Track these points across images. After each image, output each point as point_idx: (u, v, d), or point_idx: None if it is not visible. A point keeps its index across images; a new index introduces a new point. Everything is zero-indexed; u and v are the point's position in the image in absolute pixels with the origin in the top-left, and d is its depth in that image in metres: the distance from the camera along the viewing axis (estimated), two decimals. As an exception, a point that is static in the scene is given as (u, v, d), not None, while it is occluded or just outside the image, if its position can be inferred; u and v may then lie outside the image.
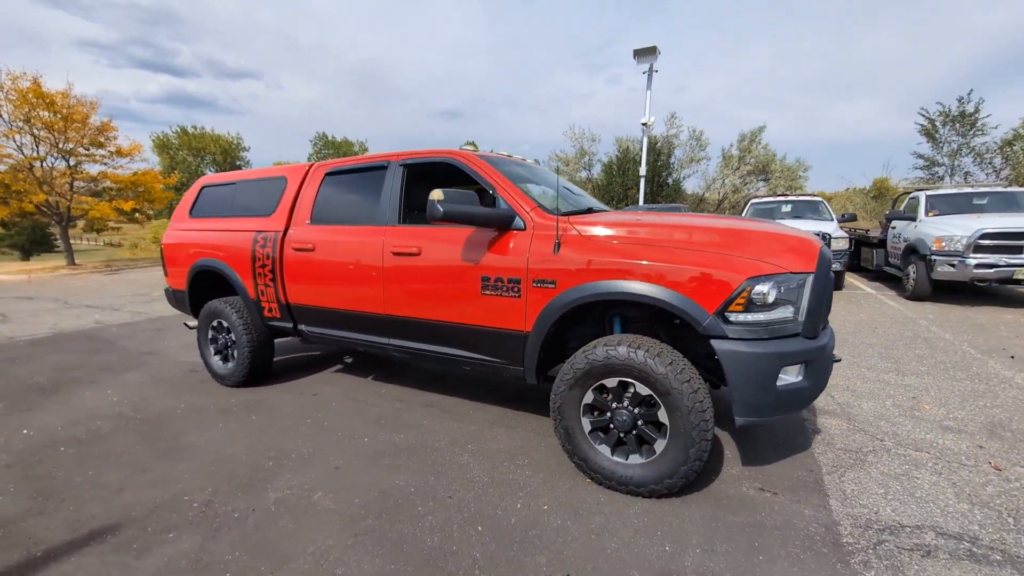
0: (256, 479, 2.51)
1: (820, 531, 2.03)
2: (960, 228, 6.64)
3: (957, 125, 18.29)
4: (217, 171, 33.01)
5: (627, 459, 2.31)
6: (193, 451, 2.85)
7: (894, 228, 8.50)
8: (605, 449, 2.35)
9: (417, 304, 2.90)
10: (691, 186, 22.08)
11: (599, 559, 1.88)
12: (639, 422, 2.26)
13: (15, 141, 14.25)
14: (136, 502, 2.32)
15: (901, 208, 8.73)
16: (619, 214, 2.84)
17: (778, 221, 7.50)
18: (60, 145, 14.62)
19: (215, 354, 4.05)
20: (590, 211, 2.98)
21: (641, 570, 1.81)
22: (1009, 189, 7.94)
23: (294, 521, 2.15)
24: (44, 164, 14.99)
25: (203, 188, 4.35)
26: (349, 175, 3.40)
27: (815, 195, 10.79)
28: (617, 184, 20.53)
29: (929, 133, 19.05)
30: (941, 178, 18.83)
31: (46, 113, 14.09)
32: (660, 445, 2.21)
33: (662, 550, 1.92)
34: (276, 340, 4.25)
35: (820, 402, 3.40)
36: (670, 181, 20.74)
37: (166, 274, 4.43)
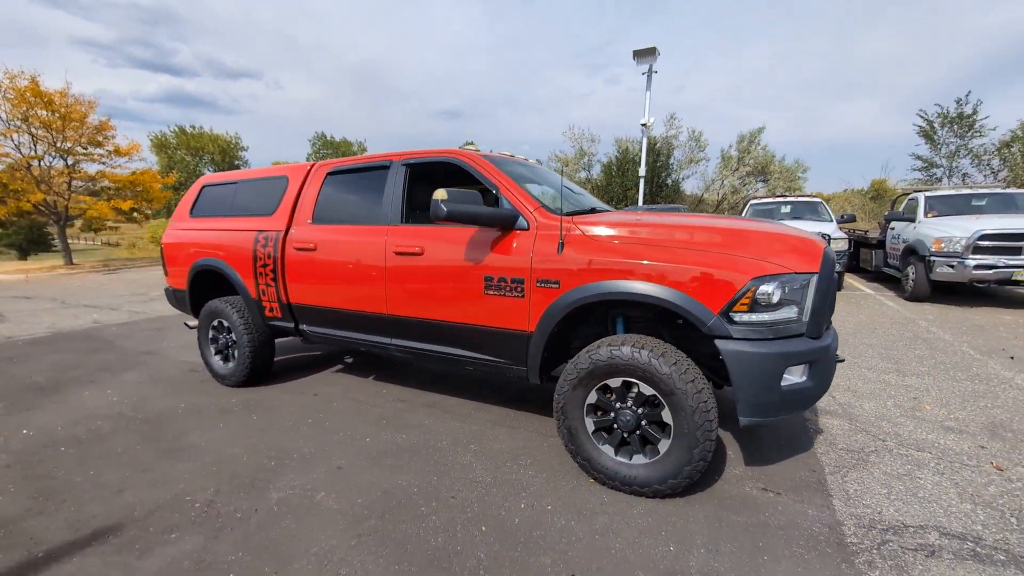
0: (258, 479, 2.50)
1: (824, 531, 2.03)
2: (959, 229, 6.66)
3: (955, 127, 18.37)
4: (215, 171, 32.96)
5: (631, 459, 2.30)
6: (194, 451, 2.84)
7: (893, 229, 8.53)
8: (609, 449, 2.35)
9: (420, 304, 2.89)
10: (690, 187, 22.14)
11: (604, 559, 1.88)
12: (643, 422, 2.26)
13: (13, 140, 14.20)
14: (137, 502, 2.31)
15: (900, 209, 8.75)
16: (622, 214, 2.84)
17: (779, 222, 7.51)
18: (58, 144, 14.56)
19: (216, 354, 4.04)
20: (593, 211, 2.98)
21: (646, 570, 1.81)
22: (1007, 190, 7.96)
23: (297, 521, 2.14)
24: (42, 163, 14.94)
25: (204, 187, 4.34)
26: (351, 175, 3.39)
27: (814, 196, 10.82)
28: (616, 185, 20.55)
29: (927, 135, 19.12)
30: (939, 179, 18.91)
31: (44, 112, 14.03)
32: (664, 445, 2.21)
33: (667, 550, 1.92)
34: (276, 340, 4.24)
35: (822, 402, 3.40)
36: (669, 182, 20.77)
37: (166, 274, 4.42)
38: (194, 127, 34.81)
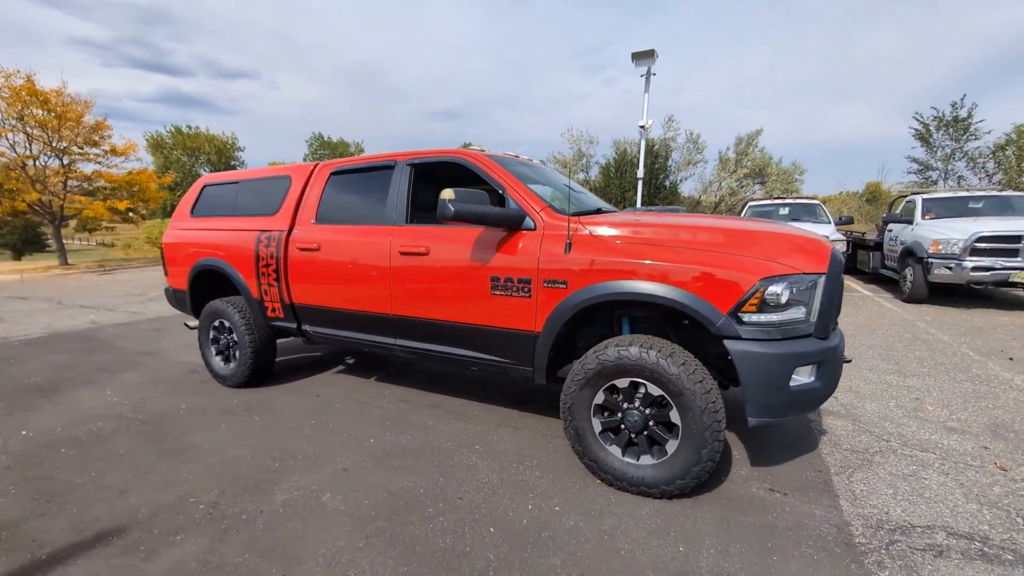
0: (262, 480, 2.49)
1: (832, 531, 2.03)
2: (956, 231, 6.71)
3: (951, 130, 18.52)
4: (211, 171, 32.81)
5: (638, 460, 2.30)
6: (197, 452, 2.82)
7: (890, 231, 8.58)
8: (616, 450, 2.34)
9: (425, 304, 2.88)
10: (688, 189, 22.19)
11: (613, 560, 1.87)
12: (650, 423, 2.26)
13: (8, 139, 14.11)
14: (141, 504, 2.29)
15: (897, 211, 8.80)
16: (629, 214, 2.84)
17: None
18: (54, 144, 14.47)
19: (216, 354, 4.01)
20: (599, 211, 2.98)
21: (657, 571, 1.81)
22: (1004, 193, 8.02)
23: (303, 523, 2.13)
24: (37, 163, 14.84)
25: (205, 187, 4.31)
26: (355, 175, 3.38)
27: (811, 198, 10.87)
28: (615, 186, 20.59)
29: (923, 137, 19.27)
30: (935, 182, 19.05)
31: (40, 111, 13.95)
32: (672, 446, 2.21)
33: (676, 551, 1.92)
34: (277, 340, 4.21)
35: (825, 403, 3.40)
36: (667, 184, 20.83)
37: (166, 274, 4.39)
38: (190, 127, 34.68)
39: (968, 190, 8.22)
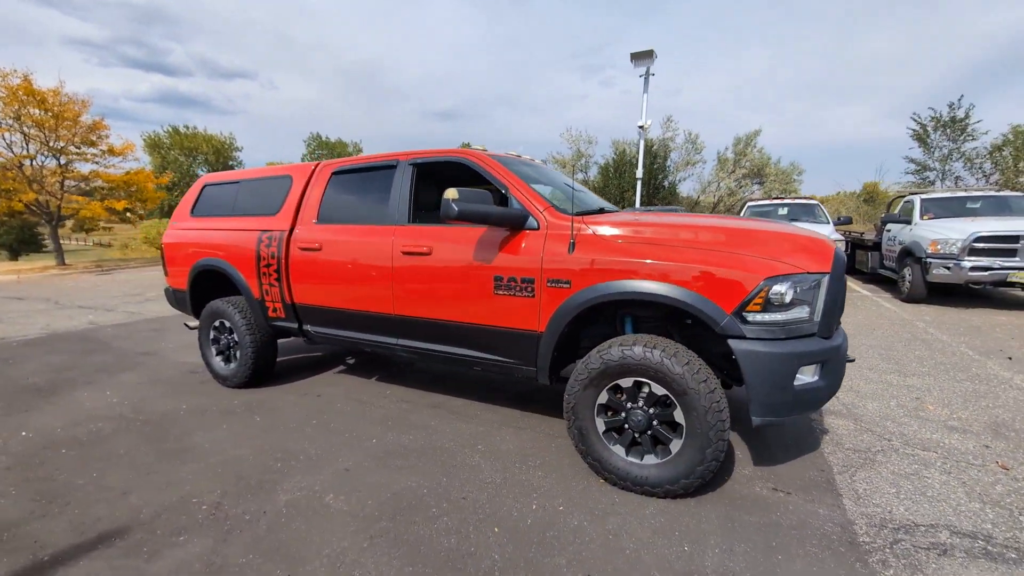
0: (265, 481, 2.48)
1: (836, 530, 2.03)
2: (955, 231, 6.73)
3: (948, 130, 18.60)
4: (209, 171, 32.75)
5: (642, 459, 2.30)
6: (198, 453, 2.80)
7: (889, 231, 8.60)
8: (619, 449, 2.34)
9: (428, 304, 2.87)
10: (686, 189, 22.23)
11: (618, 560, 1.87)
12: (654, 422, 2.26)
13: (5, 139, 14.04)
14: (143, 504, 2.28)
15: (896, 211, 8.83)
16: (632, 214, 2.84)
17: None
18: (51, 143, 14.41)
19: (217, 355, 3.99)
20: (602, 211, 2.98)
21: (662, 571, 1.81)
22: (1001, 193, 8.05)
23: (307, 523, 2.12)
24: (34, 162, 14.77)
25: (205, 187, 4.30)
26: (357, 174, 3.38)
27: (810, 198, 10.90)
28: (613, 186, 20.61)
29: (921, 138, 19.35)
30: (932, 183, 19.13)
31: (37, 111, 13.88)
32: (676, 445, 2.21)
33: (681, 550, 1.92)
34: (278, 341, 4.20)
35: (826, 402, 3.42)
36: (666, 184, 20.86)
37: (166, 274, 4.37)
38: (188, 127, 34.59)
39: (966, 190, 8.24)
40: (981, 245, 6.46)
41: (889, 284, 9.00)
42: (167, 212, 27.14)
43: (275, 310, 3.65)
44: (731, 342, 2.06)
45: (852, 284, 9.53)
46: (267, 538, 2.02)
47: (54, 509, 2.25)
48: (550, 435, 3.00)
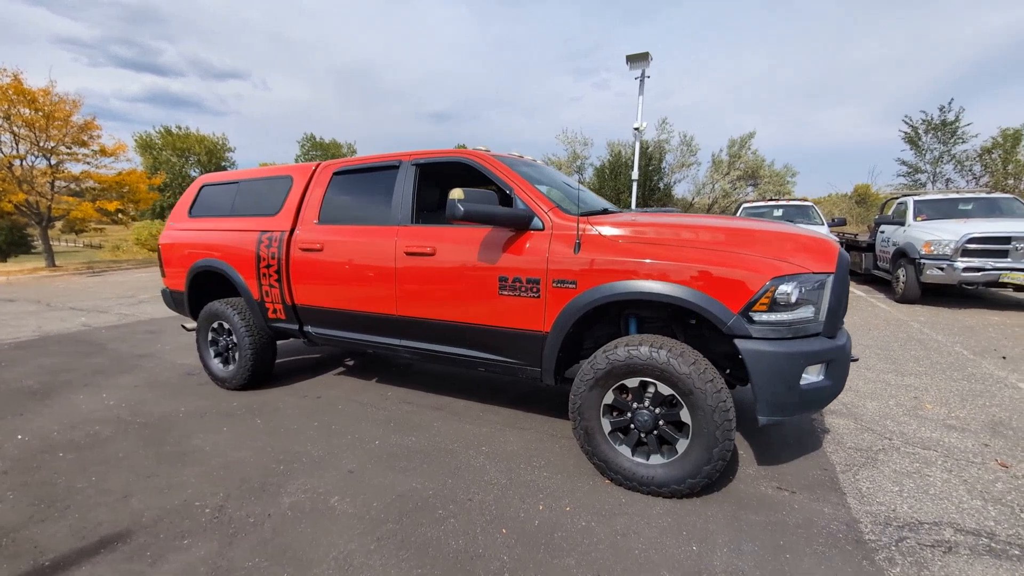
0: (268, 483, 2.45)
1: (842, 529, 2.05)
2: (948, 232, 6.81)
3: (939, 133, 18.85)
4: (202, 172, 32.50)
5: (648, 459, 2.30)
6: (199, 455, 2.77)
7: (883, 232, 8.69)
8: (626, 450, 2.35)
9: (431, 304, 2.86)
10: (681, 191, 22.35)
11: (627, 560, 1.87)
12: (660, 422, 2.26)
13: (-6, 139, 13.84)
14: (145, 508, 2.25)
15: (889, 213, 8.93)
16: (636, 215, 2.85)
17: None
18: (41, 143, 14.22)
19: (215, 357, 3.96)
20: (605, 212, 2.98)
21: (672, 570, 1.81)
22: (992, 195, 8.16)
23: (312, 525, 2.10)
24: (24, 163, 14.58)
25: (203, 187, 4.26)
26: (358, 175, 3.36)
27: (804, 200, 11.00)
28: (609, 188, 20.68)
29: (912, 140, 19.60)
30: (923, 184, 19.37)
31: (27, 110, 13.71)
32: (682, 445, 2.21)
33: (689, 550, 1.92)
34: (277, 342, 4.17)
35: (826, 402, 3.44)
36: (661, 185, 20.96)
37: (163, 275, 4.33)
38: (180, 128, 34.34)
39: (958, 192, 8.35)
40: (973, 246, 6.54)
41: (883, 285, 9.09)
42: (159, 213, 26.90)
43: (275, 311, 3.62)
44: (738, 342, 2.07)
45: (846, 285, 9.61)
46: (273, 541, 2.00)
47: (54, 513, 2.22)
48: (553, 436, 2.99)
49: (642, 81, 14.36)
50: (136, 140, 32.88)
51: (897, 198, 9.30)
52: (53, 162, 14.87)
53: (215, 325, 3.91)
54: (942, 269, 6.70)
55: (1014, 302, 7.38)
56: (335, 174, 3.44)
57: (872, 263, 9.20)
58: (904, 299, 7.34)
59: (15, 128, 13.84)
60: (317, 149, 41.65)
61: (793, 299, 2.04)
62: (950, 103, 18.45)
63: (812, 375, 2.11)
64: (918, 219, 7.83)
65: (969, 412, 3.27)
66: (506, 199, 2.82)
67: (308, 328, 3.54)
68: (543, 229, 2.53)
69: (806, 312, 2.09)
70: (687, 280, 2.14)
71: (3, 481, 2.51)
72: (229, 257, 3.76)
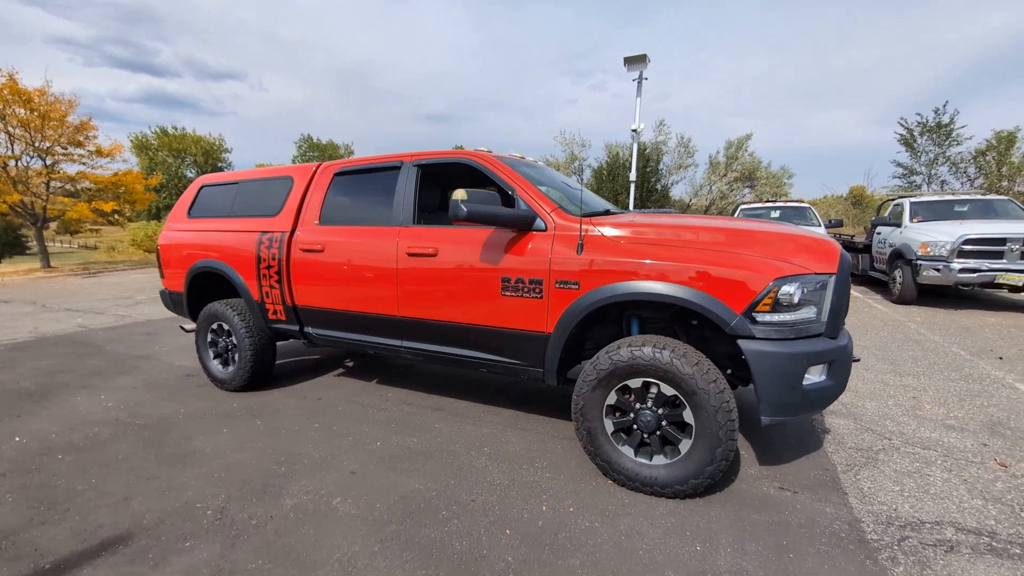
0: (270, 485, 2.44)
1: (844, 528, 2.05)
2: (944, 234, 6.86)
3: (933, 135, 18.98)
4: (198, 173, 32.37)
5: (651, 460, 2.31)
6: (199, 457, 2.76)
7: (879, 234, 8.74)
8: (628, 450, 2.35)
9: (434, 305, 2.86)
10: (679, 192, 22.39)
11: (632, 560, 1.87)
12: (663, 423, 2.26)
13: (-11, 139, 13.74)
14: (146, 510, 2.23)
15: (886, 215, 8.98)
16: (640, 216, 2.85)
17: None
18: (36, 144, 14.14)
19: (214, 358, 3.94)
20: (608, 213, 2.99)
21: (676, 570, 1.81)
22: (987, 197, 8.23)
23: (315, 527, 2.09)
24: (19, 163, 14.48)
25: (202, 188, 4.25)
26: (360, 175, 3.36)
27: (801, 201, 11.05)
28: (607, 189, 20.70)
29: (908, 142, 19.73)
30: (919, 186, 19.50)
31: (22, 110, 13.62)
32: (685, 445, 2.22)
33: (693, 550, 1.92)
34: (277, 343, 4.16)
35: (826, 402, 3.46)
36: (659, 187, 21.00)
37: (162, 276, 4.31)
38: (176, 128, 34.20)
39: (953, 194, 8.41)
40: (969, 247, 6.59)
41: (880, 286, 9.14)
42: (155, 214, 26.77)
43: (275, 312, 3.61)
44: (741, 342, 2.08)
45: (843, 286, 9.65)
46: (276, 543, 1.99)
47: (53, 516, 2.20)
48: (555, 436, 2.99)
49: (640, 83, 14.40)
50: (132, 141, 32.73)
51: (893, 200, 9.36)
52: (49, 162, 14.78)
53: (214, 326, 3.89)
54: (938, 270, 6.75)
55: (1009, 303, 7.44)
56: (336, 175, 3.43)
57: (869, 264, 9.25)
58: (901, 300, 7.38)
59: (10, 128, 13.75)
60: (314, 150, 41.54)
61: (796, 300, 2.05)
62: (945, 105, 18.60)
63: (815, 375, 2.12)
64: (914, 220, 7.88)
65: (967, 412, 3.29)
66: (507, 200, 2.83)
67: (309, 329, 3.54)
68: (545, 230, 2.54)
69: (808, 313, 2.10)
70: (690, 281, 2.15)
71: (2, 484, 2.49)
72: (229, 258, 3.75)
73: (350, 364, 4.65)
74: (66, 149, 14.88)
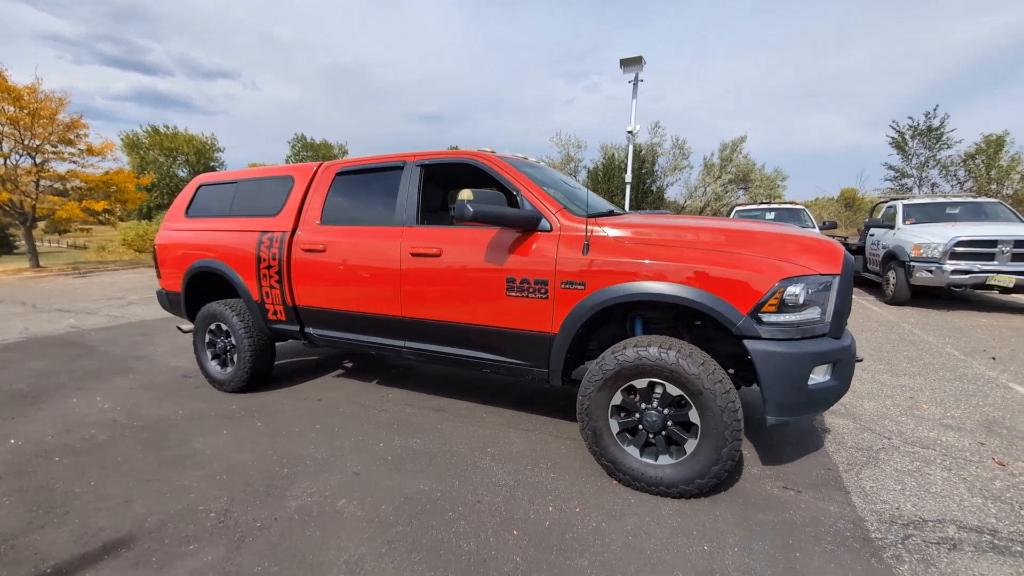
0: (273, 486, 2.42)
1: (848, 527, 2.07)
2: (937, 236, 6.95)
3: (924, 139, 19.24)
4: (190, 172, 32.05)
5: (656, 460, 2.31)
6: (200, 459, 2.73)
7: (872, 236, 8.84)
8: (634, 450, 2.35)
9: (437, 306, 2.85)
10: (673, 194, 22.53)
11: (640, 560, 1.87)
12: (669, 423, 2.27)
13: (-24, 137, 13.53)
14: (147, 513, 2.20)
15: (879, 217, 9.09)
16: (644, 216, 2.87)
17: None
18: (26, 142, 13.93)
19: (213, 359, 3.90)
20: (611, 213, 3.00)
21: (685, 570, 1.82)
22: (978, 199, 8.35)
23: (321, 529, 2.08)
24: (8, 161, 14.26)
25: (200, 187, 4.21)
26: (362, 175, 3.34)
27: (794, 203, 11.15)
28: (602, 190, 20.77)
29: (899, 145, 19.98)
30: (910, 189, 19.75)
31: (11, 108, 13.42)
32: (691, 445, 2.23)
33: (701, 550, 1.93)
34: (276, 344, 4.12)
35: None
36: (654, 188, 21.12)
37: (159, 276, 4.26)
38: (168, 127, 33.90)
39: (944, 197, 8.53)
40: (961, 249, 6.68)
41: (873, 287, 9.24)
42: (146, 214, 26.47)
43: (275, 313, 3.58)
44: (747, 343, 2.09)
45: (837, 287, 9.74)
46: (281, 545, 1.97)
47: (53, 519, 2.17)
48: (558, 436, 2.99)
49: (635, 85, 14.48)
50: (123, 139, 32.41)
51: (886, 202, 9.47)
52: (38, 161, 14.57)
53: (213, 327, 3.85)
54: (931, 271, 6.83)
55: (999, 304, 7.55)
56: (338, 175, 3.41)
57: (862, 265, 9.35)
58: (894, 301, 7.47)
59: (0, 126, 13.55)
60: (308, 149, 41.36)
61: (801, 300, 2.06)
62: (935, 109, 18.90)
63: (819, 375, 2.14)
64: (907, 223, 7.98)
65: (964, 411, 3.33)
66: (510, 200, 2.82)
67: (309, 329, 3.51)
68: (550, 230, 2.54)
69: (813, 313, 2.12)
70: (697, 282, 2.16)
71: (-2, 486, 2.45)
72: (228, 258, 3.72)
73: (349, 365, 4.62)
74: (56, 147, 14.67)
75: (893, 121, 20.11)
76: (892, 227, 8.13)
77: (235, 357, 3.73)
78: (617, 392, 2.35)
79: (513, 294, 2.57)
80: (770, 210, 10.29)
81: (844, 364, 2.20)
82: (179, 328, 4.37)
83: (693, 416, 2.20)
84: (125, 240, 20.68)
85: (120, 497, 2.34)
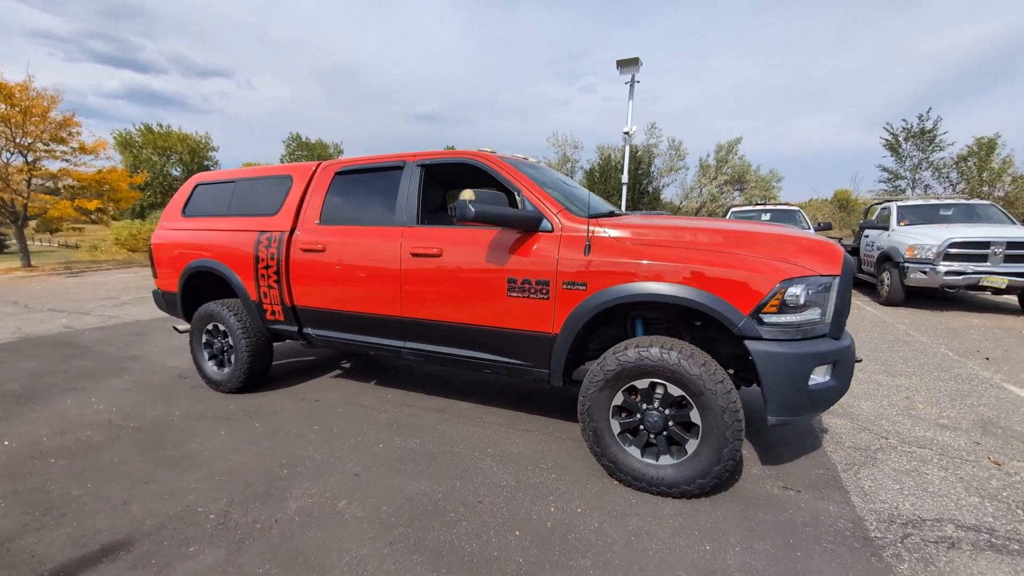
0: (273, 488, 2.41)
1: (848, 526, 2.09)
2: (931, 237, 7.01)
3: (917, 141, 19.44)
4: (184, 171, 31.81)
5: (657, 460, 2.32)
6: (198, 460, 2.71)
7: (867, 236, 8.91)
8: (635, 451, 2.36)
9: (437, 306, 2.85)
10: (669, 195, 22.62)
11: (643, 560, 1.88)
12: (670, 423, 2.28)
13: (-33, 135, 13.36)
14: (146, 515, 2.18)
15: (873, 218, 9.16)
16: (645, 217, 2.87)
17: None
18: (18, 140, 13.78)
19: (210, 359, 3.87)
20: (612, 214, 3.00)
21: (687, 570, 1.82)
22: (971, 201, 8.44)
23: (322, 530, 2.07)
24: (-1, 159, 14.10)
25: (197, 186, 4.17)
26: (362, 175, 3.33)
27: (789, 204, 11.23)
28: (599, 191, 20.81)
29: (893, 147, 20.17)
30: (903, 191, 19.94)
31: (3, 106, 13.27)
32: (692, 446, 2.23)
33: (703, 549, 1.94)
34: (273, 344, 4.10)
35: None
36: (650, 189, 21.19)
37: (155, 275, 4.22)
38: (161, 126, 33.62)
39: (937, 198, 8.61)
40: (955, 251, 6.75)
41: (867, 288, 9.31)
42: (139, 213, 26.23)
43: (273, 313, 3.56)
44: (748, 343, 2.10)
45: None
46: (282, 547, 1.96)
47: (49, 521, 2.14)
48: (558, 437, 3.00)
49: (632, 86, 14.53)
50: (115, 138, 32.08)
51: (881, 203, 9.55)
52: (30, 159, 14.41)
53: (210, 327, 3.82)
54: (925, 273, 6.89)
55: (992, 305, 7.63)
56: (337, 174, 3.40)
57: (857, 266, 9.42)
58: (889, 302, 7.52)
59: (-10, 124, 13.38)
60: (303, 149, 41.15)
61: (801, 301, 2.08)
62: (928, 112, 19.11)
63: (819, 376, 2.15)
64: (901, 224, 8.05)
65: (959, 411, 3.37)
66: (511, 201, 2.82)
67: (308, 330, 3.49)
68: (552, 231, 2.54)
69: (813, 314, 2.13)
70: (699, 282, 2.16)
71: (-7, 488, 2.42)
72: (226, 257, 3.69)
73: (347, 365, 4.60)
74: (48, 145, 14.52)
75: (887, 123, 20.33)
76: (886, 228, 8.20)
77: (232, 357, 3.71)
78: (618, 393, 2.36)
79: (514, 294, 2.57)
80: (766, 211, 10.35)
81: (844, 364, 2.21)
82: (175, 328, 4.34)
83: (694, 416, 2.21)
84: (118, 239, 20.48)
85: (118, 499, 2.32)
